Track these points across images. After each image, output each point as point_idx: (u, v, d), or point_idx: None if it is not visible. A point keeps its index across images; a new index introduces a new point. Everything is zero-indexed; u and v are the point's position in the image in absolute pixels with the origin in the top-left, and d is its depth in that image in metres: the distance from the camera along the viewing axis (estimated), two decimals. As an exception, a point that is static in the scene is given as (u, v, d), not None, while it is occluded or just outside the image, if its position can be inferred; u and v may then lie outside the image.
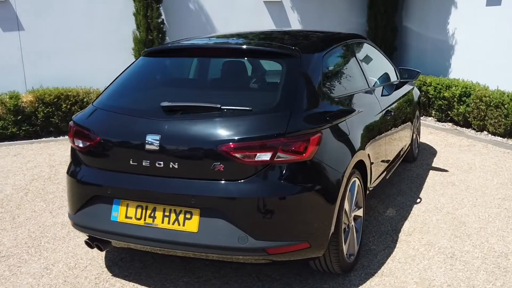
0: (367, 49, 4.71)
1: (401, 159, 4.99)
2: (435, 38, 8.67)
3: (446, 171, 5.49)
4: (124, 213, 2.95)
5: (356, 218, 3.52)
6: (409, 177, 5.30)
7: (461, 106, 7.42)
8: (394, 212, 4.38)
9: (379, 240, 3.85)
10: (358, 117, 3.51)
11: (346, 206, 3.18)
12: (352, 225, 3.38)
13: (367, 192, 3.74)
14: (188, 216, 2.82)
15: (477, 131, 7.26)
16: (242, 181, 2.74)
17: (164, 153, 2.82)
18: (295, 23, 9.26)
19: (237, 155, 2.71)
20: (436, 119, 8.13)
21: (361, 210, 3.55)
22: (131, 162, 2.90)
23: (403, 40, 9.56)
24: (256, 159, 2.72)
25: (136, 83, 3.36)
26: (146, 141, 2.84)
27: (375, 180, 3.88)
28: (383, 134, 4.02)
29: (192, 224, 2.81)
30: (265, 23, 9.13)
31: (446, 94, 7.64)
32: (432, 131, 7.38)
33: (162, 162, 2.82)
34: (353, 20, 9.50)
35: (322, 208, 2.88)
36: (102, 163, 3.04)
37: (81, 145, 3.13)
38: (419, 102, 6.01)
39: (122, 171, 2.96)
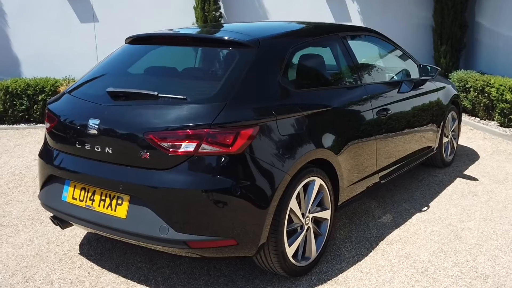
0: (377, 44, 4.38)
1: (415, 163, 4.58)
2: (508, 36, 7.85)
3: (475, 179, 4.96)
4: (72, 194, 3.03)
5: (320, 220, 3.31)
6: (429, 183, 4.87)
7: (523, 111, 6.65)
8: (389, 219, 4.05)
9: (355, 246, 3.58)
10: (326, 113, 3.28)
11: (294, 206, 2.99)
12: (309, 227, 3.18)
13: (342, 193, 3.48)
14: (119, 202, 2.83)
15: (539, 139, 6.48)
16: (166, 171, 2.69)
17: (101, 138, 2.85)
18: (355, 17, 8.88)
19: (162, 144, 2.66)
20: (498, 124, 7.38)
21: (327, 212, 3.32)
22: (77, 145, 2.96)
23: (474, 37, 8.78)
24: (180, 150, 2.65)
25: (107, 69, 3.42)
26: (88, 125, 2.88)
27: (355, 183, 3.60)
28: (374, 134, 3.72)
29: (122, 210, 2.81)
30: (325, 17, 8.86)
31: (508, 97, 6.90)
32: (487, 136, 6.71)
33: (99, 147, 2.86)
34: (418, 14, 8.91)
35: (252, 206, 2.74)
36: (58, 145, 3.15)
37: (46, 127, 3.26)
38: (456, 103, 5.48)
39: (71, 153, 3.04)
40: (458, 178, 5.00)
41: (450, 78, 8.31)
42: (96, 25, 9.05)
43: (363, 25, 8.78)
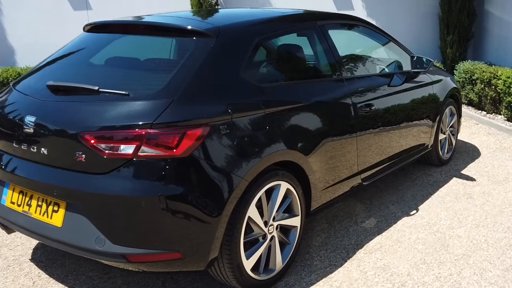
0: (364, 34, 4.00)
1: (405, 162, 4.21)
2: (518, 24, 7.37)
3: (473, 180, 4.58)
4: (10, 198, 2.76)
5: (288, 228, 2.98)
6: (422, 183, 4.50)
7: (531, 105, 6.21)
8: (373, 224, 3.70)
9: (330, 255, 3.25)
10: (295, 110, 2.94)
11: (254, 214, 2.66)
12: (274, 236, 2.85)
13: (314, 198, 3.15)
14: (56, 208, 2.54)
15: (547, 135, 6.04)
16: (102, 175, 2.38)
17: (37, 137, 2.56)
18: (358, 6, 8.46)
19: (98, 145, 2.35)
20: (505, 118, 6.93)
21: (297, 219, 2.99)
22: (14, 144, 2.67)
23: (482, 26, 8.29)
24: (118, 152, 2.34)
25: (57, 60, 3.12)
26: (25, 123, 2.59)
27: (331, 186, 3.26)
28: (354, 132, 3.37)
29: (58, 217, 2.52)
30: (327, 6, 8.45)
31: (515, 90, 6.45)
32: (492, 132, 6.28)
33: (35, 147, 2.56)
34: (424, 1, 8.44)
35: (200, 215, 2.42)
36: (-1, 144, 2.86)
37: (-11, 124, 2.97)
38: (456, 97, 5.08)
39: (10, 153, 2.75)
40: (454, 178, 4.62)
41: (456, 69, 7.86)
42: (89, 13, 8.76)
43: (366, 13, 8.36)
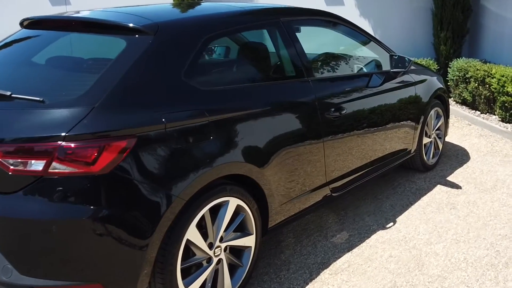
0: (337, 30, 3.65)
1: (384, 170, 3.87)
2: (514, 20, 6.98)
3: (458, 187, 4.22)
4: None
5: (240, 249, 2.65)
6: (403, 192, 4.15)
7: (525, 105, 5.84)
8: (344, 238, 3.37)
9: (291, 276, 2.92)
10: (247, 117, 2.60)
11: (194, 236, 2.34)
12: (222, 259, 2.52)
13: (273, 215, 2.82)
14: (-35, 230, 2.20)
15: (543, 138, 5.67)
16: (8, 195, 2.05)
17: None
18: (349, 1, 8.08)
19: (4, 160, 2.01)
20: (499, 119, 6.56)
21: (250, 238, 2.66)
22: None
23: (478, 21, 7.90)
24: (26, 169, 2.01)
25: None
26: None
27: (294, 199, 2.93)
28: (320, 139, 3.03)
29: (-34, 241, 2.18)
30: (316, 2, 8.07)
31: (510, 89, 6.08)
32: (484, 133, 5.92)
33: None
34: (417, -4, 8.06)
35: (124, 241, 2.09)
36: None
37: None
38: (442, 98, 4.72)
39: None
40: (438, 186, 4.27)
41: (450, 67, 7.49)
42: (68, 8, 8.41)
43: (356, 9, 7.99)
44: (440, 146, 4.79)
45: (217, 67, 2.72)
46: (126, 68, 2.24)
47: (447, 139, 5.58)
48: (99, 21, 2.61)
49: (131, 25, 2.41)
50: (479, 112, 6.94)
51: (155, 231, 2.13)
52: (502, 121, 6.38)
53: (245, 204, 2.57)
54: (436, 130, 4.72)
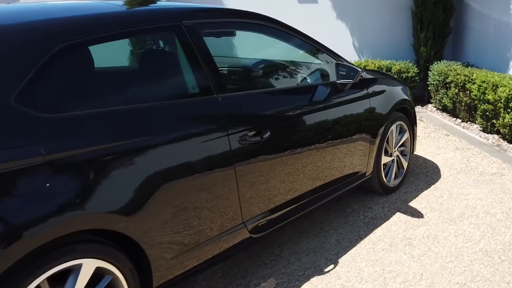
0: (270, 35, 3.02)
1: (327, 199, 3.26)
2: (500, 21, 6.32)
3: (420, 216, 3.60)
4: None
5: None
6: (356, 221, 3.53)
7: (507, 115, 5.21)
8: (270, 286, 2.74)
9: None
10: (112, 150, 1.98)
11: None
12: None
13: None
14: None
15: (526, 151, 5.04)
16: None
17: None
18: (322, -1, 7.43)
19: None
20: (480, 128, 5.93)
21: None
22: None
23: (462, 21, 7.24)
24: None
25: None
26: None
27: (191, 250, 2.31)
28: (230, 169, 2.42)
29: None
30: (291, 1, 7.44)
31: (490, 97, 5.44)
32: (461, 146, 5.28)
33: None
34: (396, -6, 7.40)
35: None
36: None
37: None
38: (406, 111, 4.10)
39: None
40: (397, 214, 3.65)
41: (430, 71, 6.84)
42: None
43: (331, 7, 7.33)
44: (405, 165, 4.16)
45: (81, 85, 2.09)
46: None
47: (419, 153, 4.97)
48: None
49: None
50: (460, 120, 6.32)
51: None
52: (483, 131, 5.76)
53: (110, 265, 1.95)
54: (400, 146, 4.09)
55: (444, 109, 6.79)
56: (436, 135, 5.74)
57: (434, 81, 6.75)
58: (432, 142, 5.46)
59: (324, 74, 3.34)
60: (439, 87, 6.66)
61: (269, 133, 2.62)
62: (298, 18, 7.12)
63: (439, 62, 6.86)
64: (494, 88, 5.41)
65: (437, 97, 6.80)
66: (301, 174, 2.92)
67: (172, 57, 2.49)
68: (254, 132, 2.57)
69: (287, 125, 2.80)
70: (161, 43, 2.51)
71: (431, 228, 3.40)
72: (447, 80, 6.40)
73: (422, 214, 3.63)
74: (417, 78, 6.97)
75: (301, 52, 3.23)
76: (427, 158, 4.91)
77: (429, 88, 7.01)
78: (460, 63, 6.65)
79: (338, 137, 3.17)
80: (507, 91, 5.13)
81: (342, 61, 3.30)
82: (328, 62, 3.29)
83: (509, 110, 5.14)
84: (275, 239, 3.27)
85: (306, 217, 3.20)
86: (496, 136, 5.60)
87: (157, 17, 2.40)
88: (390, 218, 3.58)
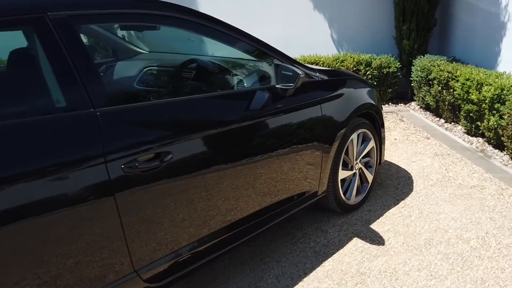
0: (189, 31, 2.42)
1: (264, 228, 2.67)
2: (487, 10, 5.69)
3: (380, 242, 3.03)
4: None
5: None
6: (304, 250, 2.97)
7: (492, 117, 4.61)
8: None
9: None
10: None
11: None
12: None
13: None
14: None
15: (512, 158, 4.45)
16: None
17: None
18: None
19: None
20: (465, 130, 5.34)
21: None
22: None
23: (449, 12, 6.61)
24: None
25: None
26: None
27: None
28: (109, 204, 1.84)
29: None
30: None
31: (474, 97, 4.84)
32: (441, 151, 4.69)
33: None
34: (376, -17, 6.77)
35: None
36: None
37: None
38: (372, 116, 3.51)
39: None
40: (355, 239, 3.07)
41: (413, 65, 6.23)
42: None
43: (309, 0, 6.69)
44: (370, 179, 3.57)
45: None
46: None
47: (394, 159, 4.39)
48: None
49: None
50: (443, 121, 5.73)
51: None
52: (468, 133, 5.17)
53: None
54: (365, 157, 3.50)
55: (427, 108, 6.20)
56: (416, 138, 5.15)
57: (417, 77, 6.15)
58: (409, 146, 4.87)
59: (263, 78, 2.74)
60: (422, 84, 6.06)
61: (172, 155, 2.03)
62: (271, 9, 6.49)
63: (422, 56, 6.24)
64: (478, 87, 4.81)
65: (420, 95, 6.20)
66: (223, 202, 2.34)
67: (29, 61, 1.89)
68: (151, 155, 1.97)
69: (204, 143, 2.21)
70: (20, 42, 1.91)
71: (391, 260, 2.82)
72: (430, 77, 5.80)
73: (383, 240, 3.05)
74: (399, 73, 6.37)
75: (232, 49, 2.63)
76: (401, 166, 4.32)
77: (412, 84, 6.41)
78: (445, 57, 6.05)
79: (275, 153, 2.58)
80: (492, 90, 4.52)
81: (284, 62, 2.70)
82: (265, 63, 2.69)
83: (494, 112, 4.54)
84: (205, 274, 2.69)
85: (246, 244, 2.62)
86: (481, 139, 5.01)
87: (11, 7, 1.80)
88: (345, 245, 3.00)
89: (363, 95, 3.42)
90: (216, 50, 2.92)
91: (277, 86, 2.63)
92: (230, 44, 2.56)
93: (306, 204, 2.98)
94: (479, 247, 2.94)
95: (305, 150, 2.80)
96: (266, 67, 2.74)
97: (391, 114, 6.13)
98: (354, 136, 3.29)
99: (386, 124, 5.69)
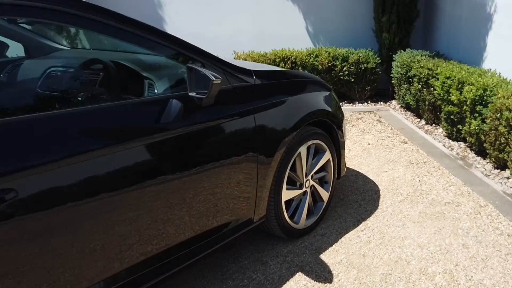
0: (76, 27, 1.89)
1: (173, 271, 2.14)
2: (474, 2, 5.12)
3: (328, 279, 2.50)
4: None
5: None
6: (232, 291, 2.43)
7: (473, 121, 4.07)
8: None
9: None
10: None
11: None
12: None
13: None
14: None
15: (495, 167, 3.91)
16: None
17: None
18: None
19: None
20: (445, 134, 4.80)
21: None
22: None
23: (434, 3, 6.04)
24: None
25: None
26: None
27: None
28: None
29: None
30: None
31: (454, 97, 4.30)
32: (417, 159, 4.16)
33: None
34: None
35: None
36: None
37: None
38: (326, 125, 2.97)
39: None
40: (298, 274, 2.55)
41: (394, 61, 5.67)
42: None
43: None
44: (325, 197, 3.04)
45: None
46: None
47: (363, 169, 3.88)
48: None
49: None
50: (424, 122, 5.19)
51: None
52: (449, 137, 4.64)
53: None
54: (319, 172, 2.97)
55: (408, 107, 5.65)
56: (391, 142, 4.61)
57: (397, 73, 5.59)
58: (383, 152, 4.33)
59: (179, 83, 2.20)
60: (402, 82, 5.51)
61: (16, 193, 1.49)
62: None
63: (403, 51, 5.68)
64: (459, 86, 4.26)
65: (400, 93, 5.65)
66: (111, 242, 1.80)
67: None
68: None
69: (77, 169, 1.66)
70: None
71: (337, 304, 2.29)
72: (410, 74, 5.25)
73: (332, 275, 2.52)
74: (378, 69, 5.81)
75: (135, 49, 2.08)
76: (369, 177, 3.79)
77: (392, 81, 5.85)
78: (427, 53, 5.49)
79: (194, 175, 2.05)
80: (473, 91, 3.98)
81: (208, 64, 2.15)
82: (174, 65, 2.15)
83: (476, 115, 4.00)
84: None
85: (171, 277, 2.10)
86: (462, 144, 4.48)
87: None
88: (285, 283, 2.48)
89: (315, 100, 2.88)
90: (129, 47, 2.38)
91: (190, 94, 2.08)
92: (128, 42, 2.01)
93: (240, 233, 2.45)
94: (445, 285, 2.42)
95: (233, 170, 2.27)
96: (184, 70, 2.19)
97: (369, 114, 5.59)
98: (302, 149, 2.75)
99: (361, 125, 5.16)
